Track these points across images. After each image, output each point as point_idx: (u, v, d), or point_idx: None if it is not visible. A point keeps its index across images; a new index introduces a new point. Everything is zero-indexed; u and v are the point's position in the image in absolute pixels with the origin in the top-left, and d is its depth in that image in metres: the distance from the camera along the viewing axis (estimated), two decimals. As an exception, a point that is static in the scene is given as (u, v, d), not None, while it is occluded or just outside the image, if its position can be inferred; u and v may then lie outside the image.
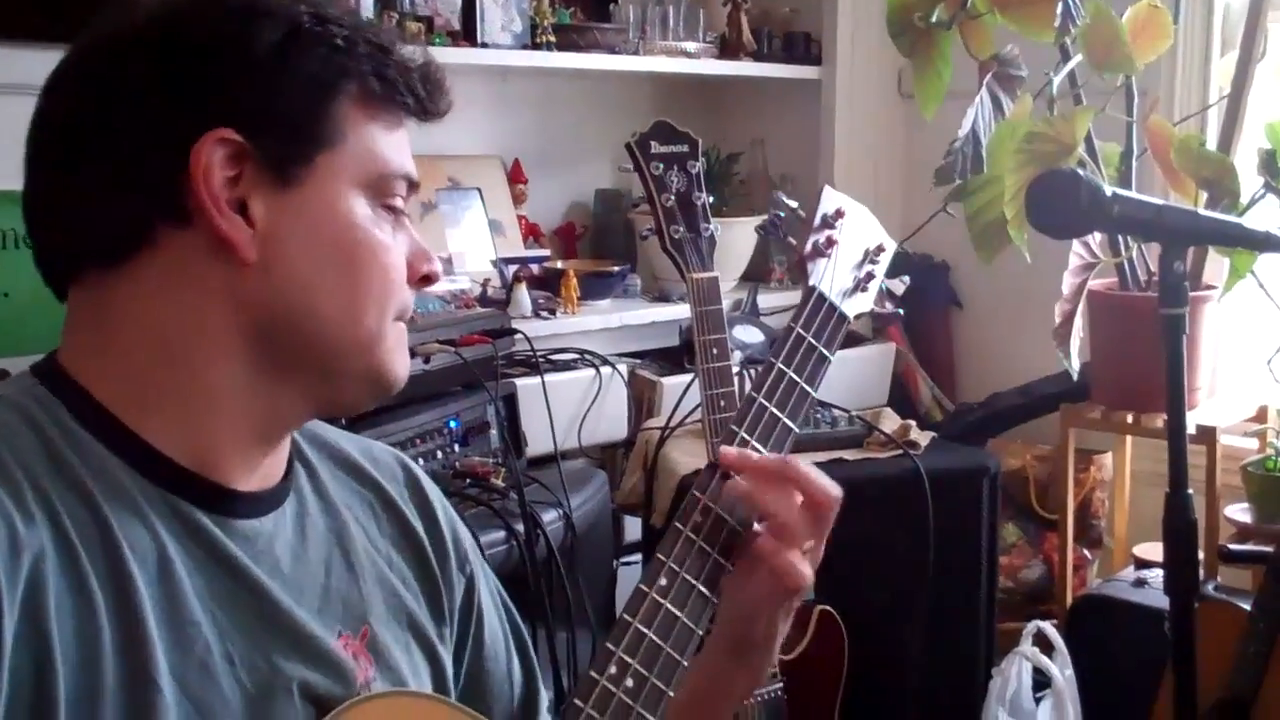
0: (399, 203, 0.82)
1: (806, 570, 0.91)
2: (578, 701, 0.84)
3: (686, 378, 2.27)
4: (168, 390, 0.77)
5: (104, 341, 0.77)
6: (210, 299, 0.76)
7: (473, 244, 2.81)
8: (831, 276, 1.05)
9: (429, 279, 0.85)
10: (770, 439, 0.96)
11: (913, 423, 2.35)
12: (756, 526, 0.93)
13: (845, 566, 2.10)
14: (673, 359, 2.65)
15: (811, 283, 1.04)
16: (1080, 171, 1.12)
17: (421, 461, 1.85)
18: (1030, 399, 2.69)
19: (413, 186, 0.84)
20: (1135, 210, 1.14)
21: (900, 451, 2.23)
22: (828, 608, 1.98)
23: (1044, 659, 2.19)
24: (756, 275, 3.01)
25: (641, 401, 2.56)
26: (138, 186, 0.75)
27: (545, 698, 1.03)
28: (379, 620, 0.87)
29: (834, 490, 0.93)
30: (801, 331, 1.01)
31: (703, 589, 0.89)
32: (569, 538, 1.92)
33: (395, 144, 0.82)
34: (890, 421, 2.37)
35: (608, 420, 2.44)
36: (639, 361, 2.70)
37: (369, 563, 0.88)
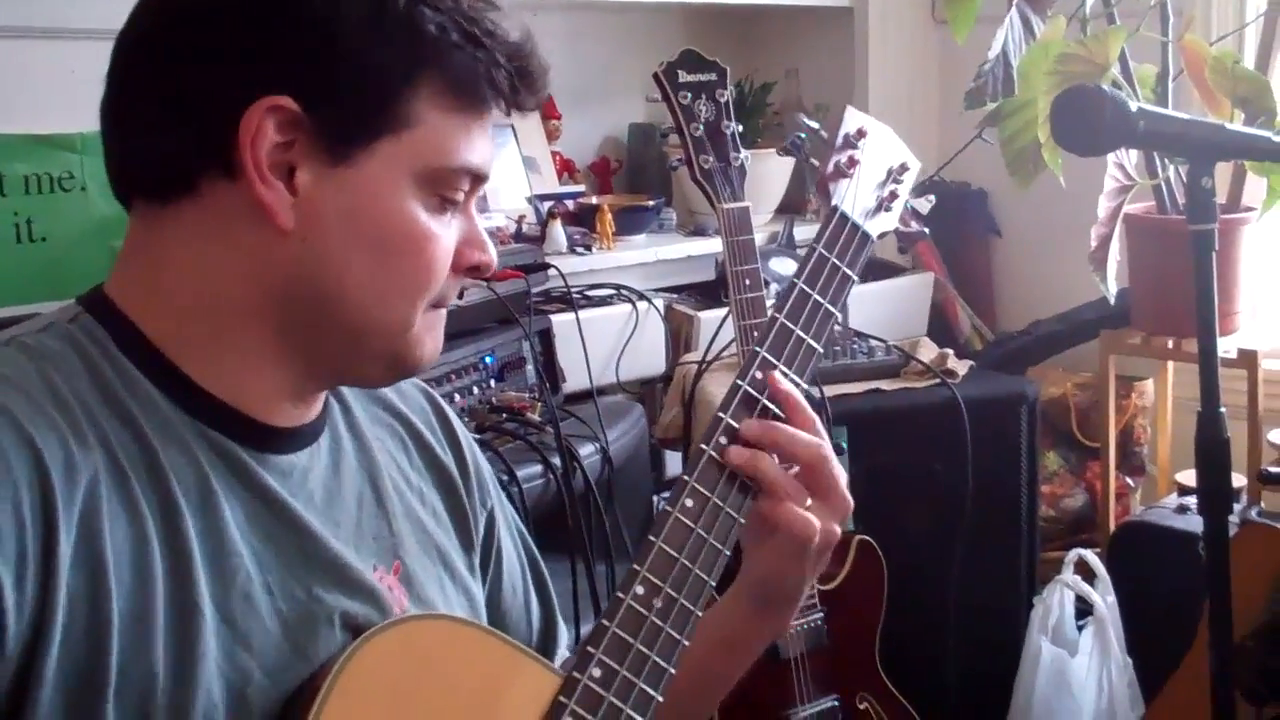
0: (458, 196, 0.81)
1: (815, 521, 0.91)
2: (605, 622, 0.86)
3: (723, 311, 2.27)
4: (206, 336, 0.79)
5: (151, 279, 0.79)
6: (242, 259, 0.77)
7: (507, 181, 2.81)
8: (854, 196, 1.05)
9: (479, 269, 0.84)
10: (795, 360, 0.97)
11: (950, 351, 2.34)
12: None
13: (884, 496, 2.14)
14: (709, 293, 2.65)
15: (834, 202, 1.04)
16: (1104, 87, 1.11)
17: (457, 397, 1.88)
18: (1070, 326, 2.66)
19: (479, 179, 0.82)
20: (1161, 125, 1.13)
21: (938, 380, 2.22)
22: (866, 538, 1.99)
23: (1086, 587, 2.19)
24: (792, 207, 2.99)
25: (679, 336, 2.56)
26: (191, 132, 0.76)
27: (564, 634, 1.05)
28: (410, 555, 0.88)
29: (817, 451, 0.92)
30: (824, 251, 1.01)
31: (729, 510, 0.91)
32: (606, 471, 1.94)
33: (470, 137, 0.80)
34: (928, 351, 2.36)
35: (645, 355, 2.45)
36: (675, 296, 2.69)
37: (398, 498, 0.90)
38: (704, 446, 0.92)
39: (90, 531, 0.70)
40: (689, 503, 0.90)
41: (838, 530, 0.94)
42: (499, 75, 0.79)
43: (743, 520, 0.91)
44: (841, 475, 0.94)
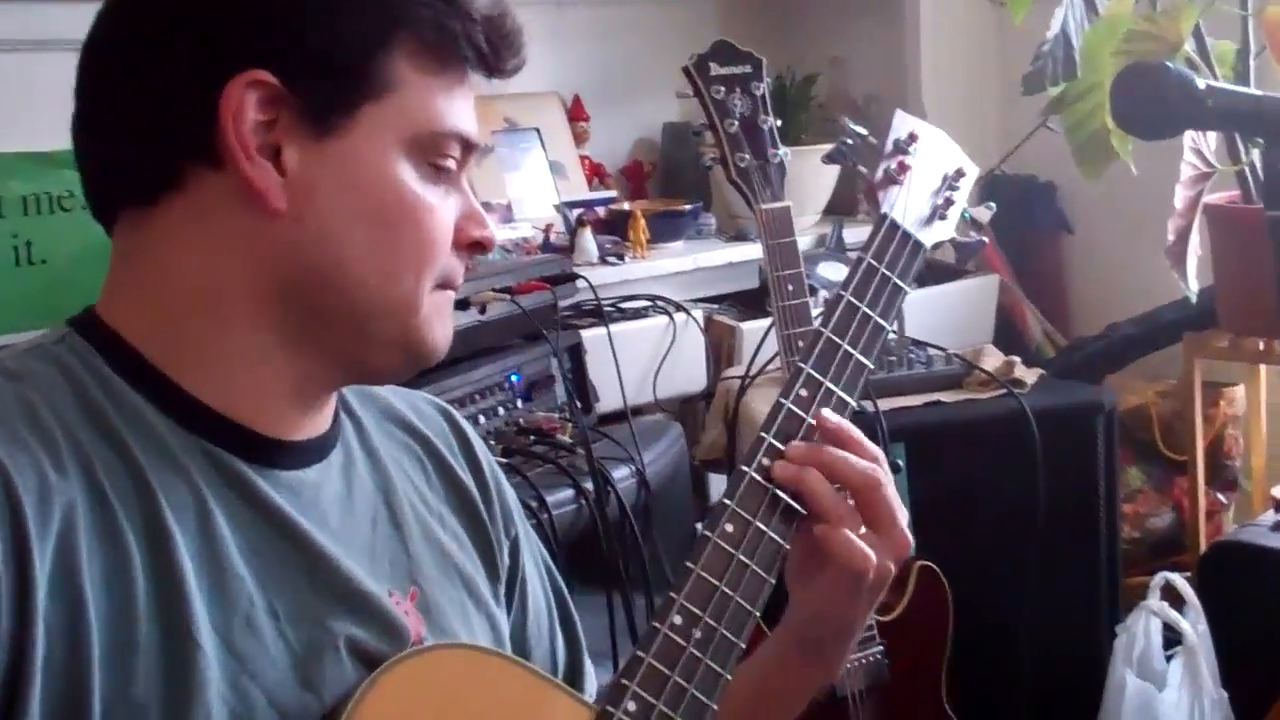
0: (450, 163, 0.82)
1: (869, 552, 0.90)
2: (640, 653, 0.85)
3: (768, 322, 2.26)
4: (202, 342, 0.80)
5: (140, 287, 0.81)
6: (237, 248, 0.79)
7: (533, 188, 2.83)
8: (905, 204, 1.06)
9: (481, 246, 0.86)
10: (843, 377, 0.97)
11: (1017, 359, 2.32)
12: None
13: (947, 518, 2.12)
14: (753, 302, 2.65)
15: (884, 210, 1.05)
16: (1169, 63, 1.11)
17: (482, 419, 1.89)
18: (1149, 329, 2.64)
19: (470, 147, 0.84)
20: (1233, 102, 1.12)
21: (1004, 391, 2.21)
22: (928, 563, 1.98)
23: (1174, 614, 2.17)
24: (841, 208, 2.99)
25: (720, 349, 2.56)
26: (169, 123, 0.78)
27: (592, 679, 1.05)
28: (429, 580, 0.89)
29: (871, 475, 0.91)
30: (873, 261, 1.01)
31: (773, 535, 0.91)
32: (643, 496, 1.95)
33: (453, 101, 0.82)
34: (993, 359, 2.34)
35: (684, 371, 2.45)
36: (716, 307, 2.69)
37: (416, 521, 0.90)
38: (745, 468, 0.92)
39: (67, 561, 0.71)
40: (729, 528, 0.90)
41: (892, 570, 0.92)
42: (474, 31, 0.81)
43: (787, 545, 0.91)
44: (902, 511, 0.93)
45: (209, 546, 0.77)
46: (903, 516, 0.93)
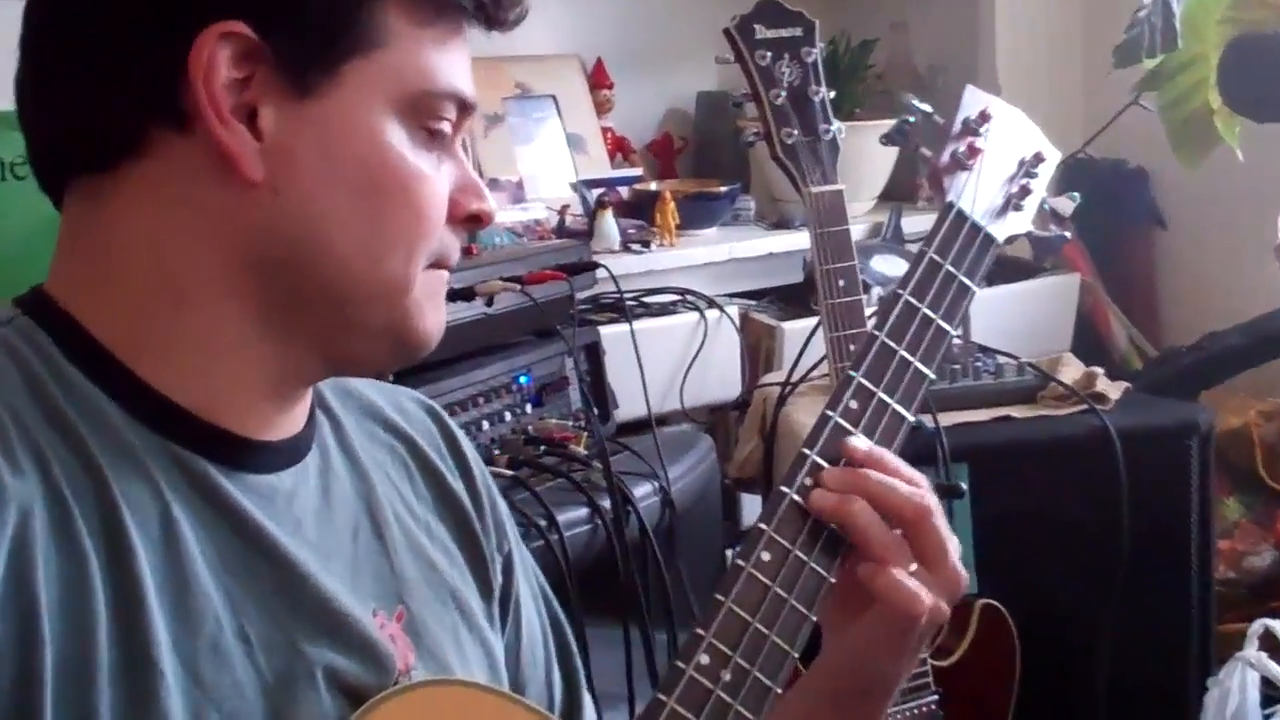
0: (444, 126, 0.83)
1: (920, 592, 0.91)
2: (662, 696, 0.86)
3: (813, 321, 2.26)
4: (166, 328, 0.80)
5: (96, 265, 0.81)
6: (208, 221, 0.79)
7: (548, 164, 2.84)
8: (975, 192, 1.06)
9: (478, 219, 0.87)
10: (899, 388, 0.97)
11: (1099, 370, 2.31)
12: None
13: (1015, 551, 2.11)
14: (796, 299, 2.66)
15: (949, 199, 1.05)
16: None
17: (486, 425, 1.89)
18: (1253, 339, 2.63)
19: (465, 109, 0.85)
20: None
21: (1084, 406, 2.19)
22: (993, 602, 1.97)
23: (1275, 667, 2.16)
24: (900, 194, 2.98)
25: (757, 352, 2.57)
26: (130, 80, 0.78)
27: (590, 712, 1.05)
28: (417, 599, 0.89)
29: (921, 503, 0.92)
30: (936, 257, 1.02)
31: (815, 566, 0.91)
32: (667, 516, 1.95)
33: (447, 56, 0.83)
34: (1072, 370, 2.33)
35: (716, 375, 2.46)
36: (754, 303, 2.70)
37: (401, 532, 0.91)
38: (784, 489, 0.92)
39: (20, 572, 0.71)
40: (765, 556, 0.90)
41: (946, 611, 0.93)
42: None
43: (831, 579, 0.91)
44: (953, 541, 0.93)
45: (173, 559, 0.77)
46: (955, 549, 0.93)
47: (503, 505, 1.02)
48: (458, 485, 0.98)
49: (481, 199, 0.86)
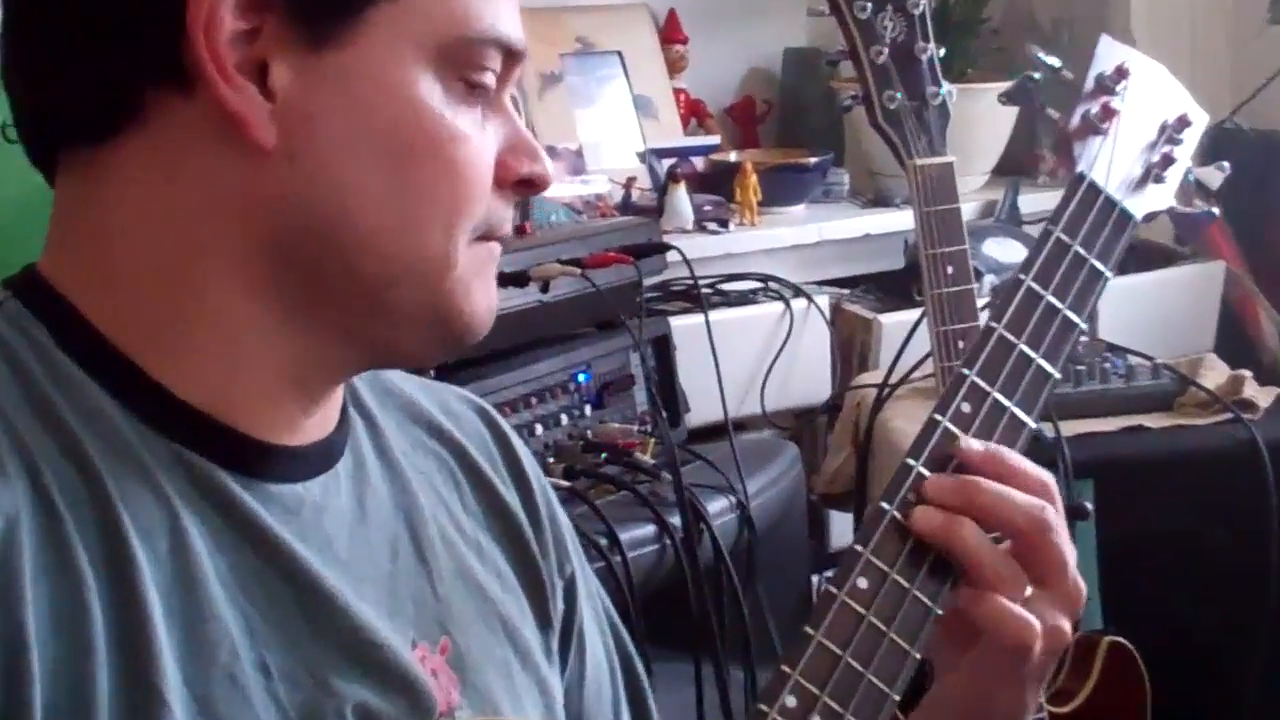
0: (487, 78, 0.82)
1: (1031, 620, 0.90)
2: None
3: (915, 313, 2.25)
4: (173, 316, 0.80)
5: (92, 246, 0.81)
6: (217, 195, 0.79)
7: (612, 130, 2.84)
8: (1110, 160, 1.05)
9: (531, 184, 0.86)
10: (1019, 389, 0.97)
11: (1247, 373, 2.29)
12: None
13: (1146, 580, 2.10)
14: (896, 288, 2.63)
15: (1079, 169, 1.04)
16: None
17: (539, 429, 1.89)
18: None
19: (513, 56, 0.84)
20: None
21: (1228, 415, 2.18)
22: (1120, 640, 1.95)
23: None
24: (1017, 167, 2.96)
25: (850, 348, 2.56)
26: (124, 35, 0.78)
27: None
28: (463, 628, 0.89)
29: (1038, 516, 0.92)
30: (1063, 236, 1.01)
31: (920, 595, 0.90)
32: (745, 536, 1.94)
33: None
34: (1215, 373, 2.31)
35: (803, 375, 2.45)
36: (847, 292, 2.69)
37: (447, 552, 0.91)
38: (885, 505, 0.92)
39: (6, 591, 0.71)
40: (862, 583, 0.90)
41: (1067, 630, 0.92)
42: None
43: (939, 610, 0.91)
44: (1072, 551, 0.93)
45: (182, 579, 0.76)
46: (1074, 558, 0.93)
47: (565, 521, 1.01)
48: (513, 499, 0.97)
49: (535, 159, 0.85)
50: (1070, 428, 2.07)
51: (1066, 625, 0.92)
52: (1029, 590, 0.91)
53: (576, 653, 0.99)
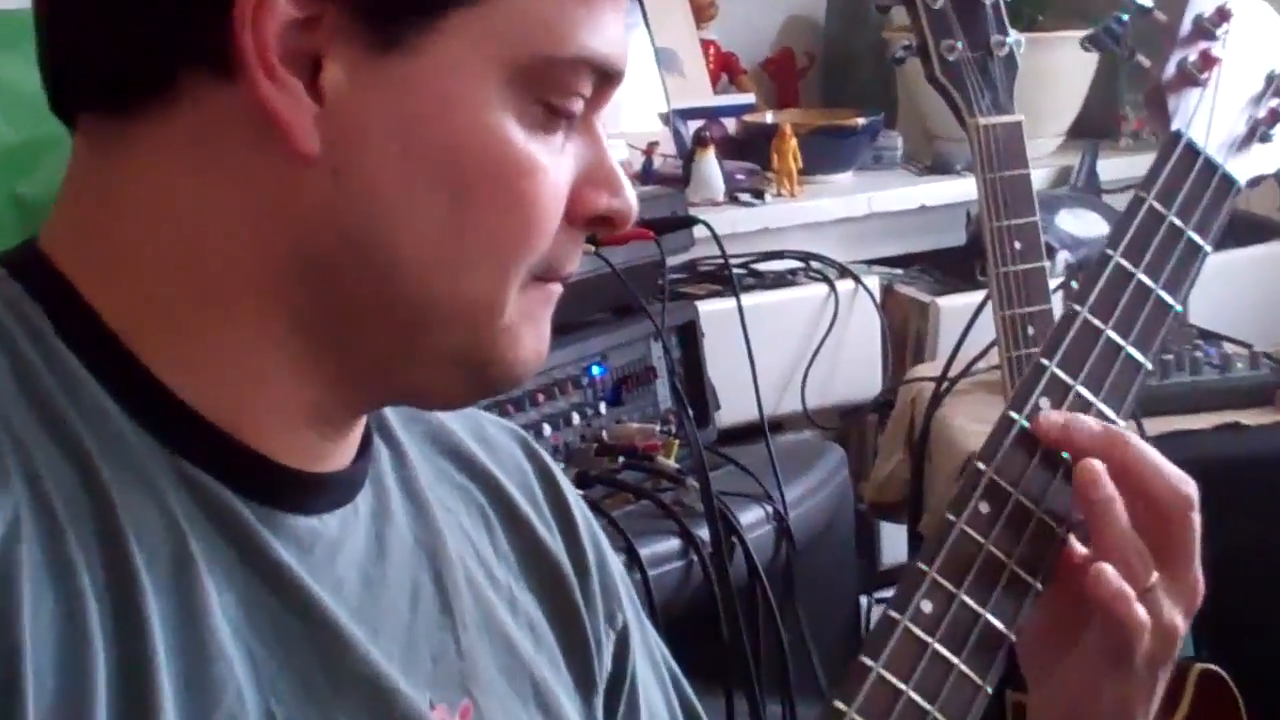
0: (575, 105, 0.80)
1: (1144, 617, 0.91)
2: None
3: (979, 295, 2.25)
4: (186, 320, 0.80)
5: (106, 227, 0.80)
6: (247, 198, 0.78)
7: (630, 88, 2.82)
8: (1209, 116, 1.04)
9: (609, 221, 0.84)
10: (1105, 381, 0.96)
11: (1359, 365, 2.29)
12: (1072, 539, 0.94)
13: (1243, 600, 2.08)
14: (957, 267, 2.63)
15: (1175, 126, 1.04)
16: None
17: (548, 429, 1.89)
18: None
19: (610, 79, 0.82)
20: None
21: (1339, 412, 2.18)
22: (1213, 668, 1.96)
23: None
24: (1095, 128, 2.95)
25: (904, 336, 2.56)
26: (162, 7, 0.77)
27: None
28: (488, 692, 0.89)
29: (1186, 489, 0.93)
30: (1157, 205, 1.00)
31: (994, 620, 0.90)
32: (784, 551, 1.94)
33: (589, 6, 0.80)
34: (1323, 364, 2.32)
35: (850, 367, 2.45)
36: (900, 273, 2.69)
37: (474, 601, 0.91)
38: (952, 518, 0.91)
39: (3, 614, 0.71)
40: (926, 606, 0.89)
41: (1183, 628, 0.93)
42: None
43: (1012, 635, 0.90)
44: (1198, 544, 0.94)
45: (187, 610, 0.76)
46: (1198, 550, 0.94)
47: (617, 568, 1.01)
48: (554, 543, 0.97)
49: (616, 194, 0.83)
50: (1156, 425, 2.07)
51: (1181, 623, 0.93)
52: (1155, 578, 0.92)
53: (628, 709, 0.99)
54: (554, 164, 0.80)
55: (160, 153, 0.79)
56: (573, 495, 1.00)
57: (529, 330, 0.83)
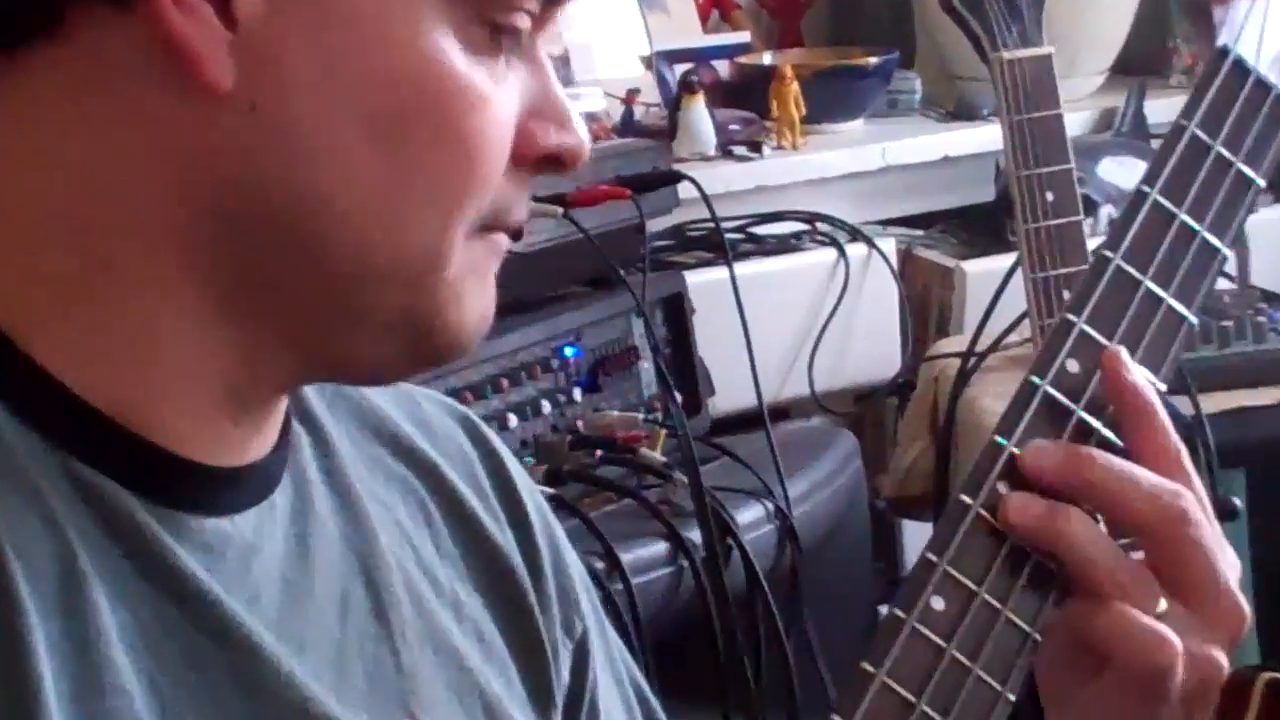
0: (521, 20, 0.81)
1: (1169, 635, 0.88)
2: None
3: (1009, 259, 2.25)
4: (76, 293, 0.79)
5: None
6: (150, 142, 0.78)
7: (608, 28, 2.84)
8: (1260, 31, 1.04)
9: (559, 161, 0.85)
10: (1143, 339, 0.95)
11: None
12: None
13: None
14: (985, 226, 2.64)
15: (1221, 42, 1.03)
16: None
17: (514, 419, 1.89)
18: None
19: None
20: None
21: None
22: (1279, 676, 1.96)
23: None
24: (1144, 63, 2.97)
25: (927, 306, 2.57)
26: None
27: None
28: (433, 710, 0.89)
29: (1173, 504, 0.90)
30: (1200, 134, 0.99)
31: (1014, 618, 0.90)
32: (788, 555, 1.95)
33: None
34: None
35: (864, 343, 2.45)
36: (920, 234, 2.70)
37: (414, 609, 0.91)
38: (966, 499, 0.90)
39: None
40: (938, 604, 0.89)
41: (1222, 661, 0.91)
42: None
43: (1037, 635, 0.89)
44: (1228, 558, 0.92)
45: (77, 637, 0.76)
46: (1231, 570, 0.91)
47: (575, 565, 1.01)
48: (504, 539, 0.97)
49: (565, 128, 0.83)
50: (1214, 402, 2.08)
51: (1220, 654, 0.91)
52: (1161, 605, 0.90)
53: None
54: (498, 94, 0.81)
55: (45, 102, 0.79)
56: (524, 482, 1.00)
57: (474, 287, 0.83)
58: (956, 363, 2.23)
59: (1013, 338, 2.18)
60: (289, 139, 0.78)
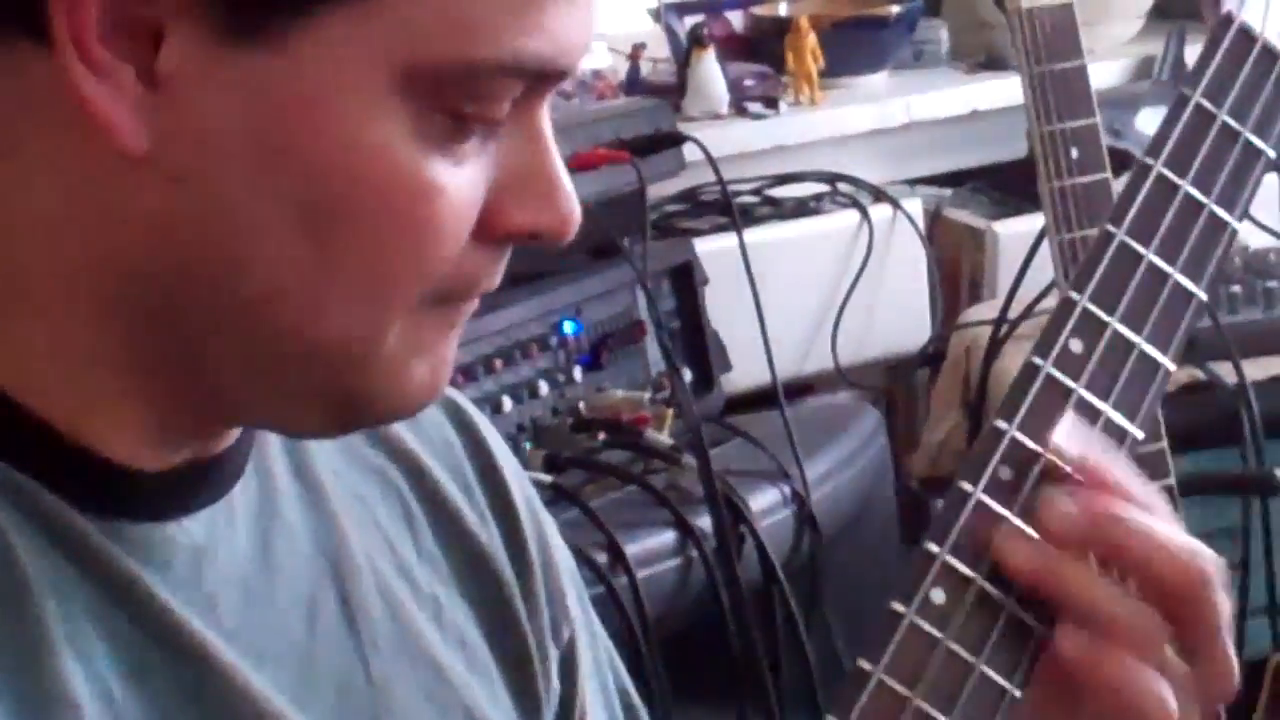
0: (495, 110, 0.77)
1: (1168, 695, 0.88)
2: None
3: (1041, 220, 2.26)
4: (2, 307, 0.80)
5: None
6: (69, 190, 0.78)
7: (610, -20, 2.84)
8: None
9: (538, 239, 0.82)
10: (1149, 316, 0.96)
11: None
12: None
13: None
14: (1017, 185, 2.61)
15: (1226, 7, 1.04)
16: None
17: (508, 401, 1.89)
18: None
19: (546, 79, 0.79)
20: None
21: None
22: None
23: None
24: (1184, 7, 2.91)
25: (957, 271, 2.57)
26: None
27: None
28: None
29: (1199, 566, 0.89)
30: (1205, 103, 1.01)
31: (1021, 611, 0.90)
32: (806, 542, 1.95)
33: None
34: None
35: (890, 311, 2.46)
36: (949, 193, 2.70)
37: (388, 614, 0.91)
38: (967, 487, 0.90)
39: None
40: (938, 596, 0.90)
41: None
42: None
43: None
44: (1227, 615, 0.92)
45: (25, 652, 0.77)
46: (1228, 620, 0.92)
47: (564, 564, 1.02)
48: (489, 538, 0.97)
49: (548, 203, 0.81)
50: (1258, 368, 2.07)
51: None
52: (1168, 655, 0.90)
53: None
54: (458, 177, 0.78)
55: None
56: (513, 473, 1.00)
57: (419, 362, 0.81)
58: (989, 330, 2.24)
59: (1048, 303, 2.15)
60: (210, 210, 0.77)
